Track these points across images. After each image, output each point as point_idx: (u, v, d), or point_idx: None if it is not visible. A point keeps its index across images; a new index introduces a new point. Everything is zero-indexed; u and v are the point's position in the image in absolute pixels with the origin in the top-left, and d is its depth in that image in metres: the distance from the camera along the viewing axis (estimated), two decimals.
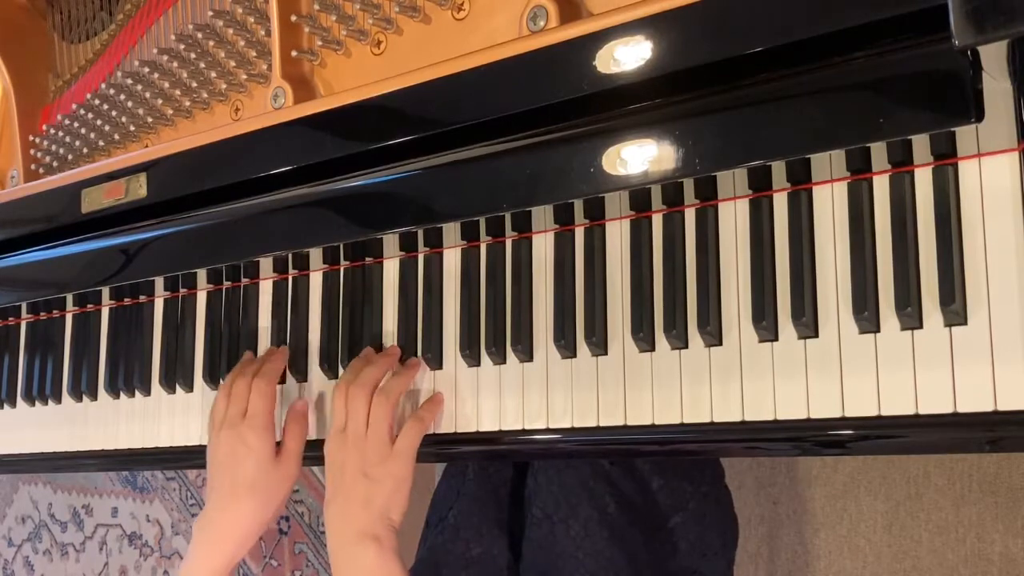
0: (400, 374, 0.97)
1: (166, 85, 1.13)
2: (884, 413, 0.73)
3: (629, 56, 0.77)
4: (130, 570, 2.49)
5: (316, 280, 1.08)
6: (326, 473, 0.97)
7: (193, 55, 1.10)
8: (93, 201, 1.13)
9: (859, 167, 0.76)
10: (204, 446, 1.14)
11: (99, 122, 1.22)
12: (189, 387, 1.17)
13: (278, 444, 1.02)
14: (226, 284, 1.15)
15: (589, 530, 0.99)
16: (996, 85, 0.68)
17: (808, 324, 0.77)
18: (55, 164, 1.28)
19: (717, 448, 0.85)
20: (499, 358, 0.93)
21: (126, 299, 1.25)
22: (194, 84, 1.12)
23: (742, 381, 0.80)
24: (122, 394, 1.24)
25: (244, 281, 1.14)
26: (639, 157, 0.79)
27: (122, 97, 1.18)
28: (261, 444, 1.00)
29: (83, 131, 1.24)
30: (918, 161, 0.74)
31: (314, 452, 1.03)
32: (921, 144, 0.74)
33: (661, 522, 1.02)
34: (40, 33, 1.34)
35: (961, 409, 0.70)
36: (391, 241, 1.02)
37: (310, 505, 2.17)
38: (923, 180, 0.74)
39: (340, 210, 0.96)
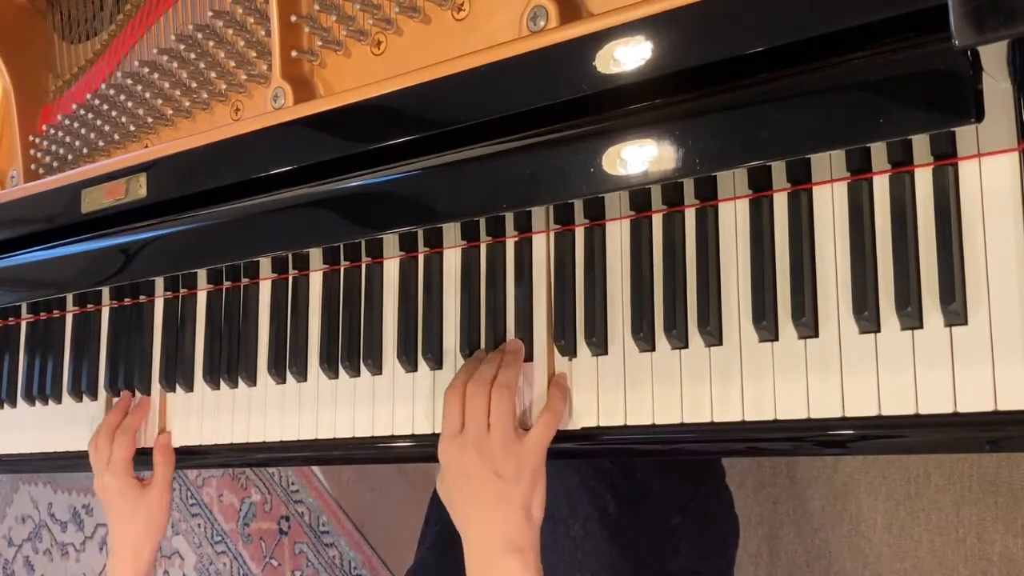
0: (509, 364, 0.90)
1: (166, 85, 1.13)
2: (884, 413, 0.73)
3: (629, 56, 0.77)
4: None
5: (316, 280, 1.08)
6: (443, 479, 0.91)
7: (193, 55, 1.10)
8: (93, 201, 1.13)
9: (859, 167, 0.76)
10: (204, 446, 1.14)
11: (99, 122, 1.22)
12: (189, 387, 1.17)
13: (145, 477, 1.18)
14: (226, 284, 1.15)
15: (589, 530, 0.98)
16: (996, 85, 0.68)
17: (808, 324, 0.77)
18: (55, 164, 1.28)
19: (717, 448, 0.85)
20: None
21: (126, 299, 1.25)
22: (194, 84, 1.12)
23: (742, 381, 0.80)
24: (122, 394, 1.24)
25: (244, 281, 1.14)
26: (639, 157, 0.79)
27: (122, 97, 1.18)
28: (121, 484, 1.17)
29: (83, 131, 1.24)
30: (918, 161, 0.74)
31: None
32: (921, 144, 0.74)
33: (662, 522, 1.02)
34: (40, 33, 1.34)
35: (961, 409, 0.70)
36: (391, 241, 1.02)
37: (310, 505, 2.17)
38: (923, 180, 0.74)
39: (340, 210, 0.96)
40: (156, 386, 1.20)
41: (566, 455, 0.95)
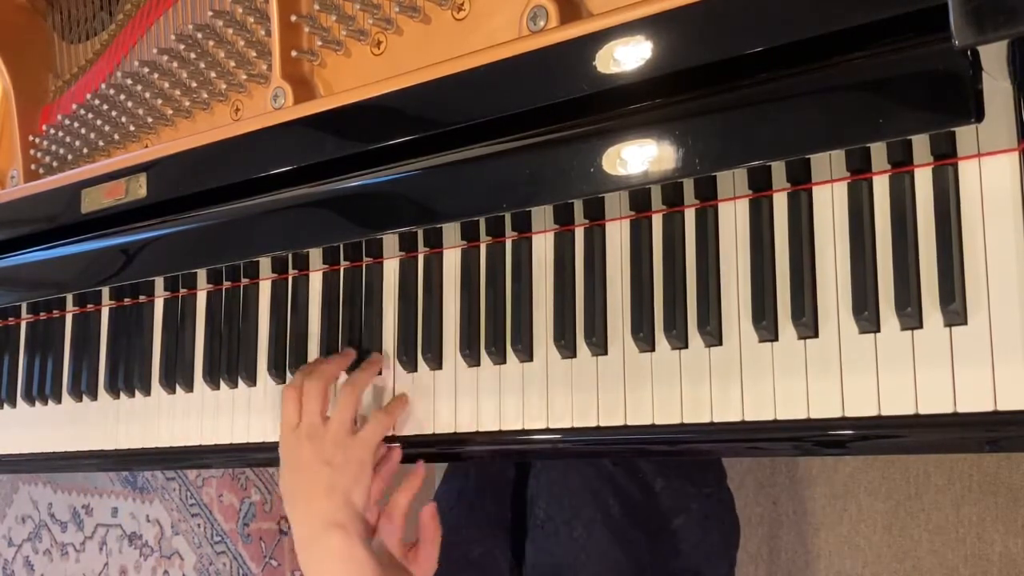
0: (364, 368, 0.99)
1: (166, 85, 1.13)
2: (884, 413, 0.73)
3: (629, 56, 0.77)
4: (130, 570, 2.49)
5: (316, 280, 1.08)
6: (281, 473, 0.98)
7: (193, 55, 1.10)
8: (93, 201, 1.13)
9: (859, 167, 0.76)
10: (204, 446, 1.14)
11: (99, 122, 1.22)
12: (189, 387, 1.17)
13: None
14: (226, 284, 1.15)
15: (592, 531, 0.98)
16: (996, 85, 0.68)
17: (808, 324, 0.77)
18: (55, 164, 1.28)
19: (717, 448, 0.85)
20: (499, 358, 0.93)
21: (126, 299, 1.25)
22: (194, 84, 1.12)
23: (742, 381, 0.80)
24: (122, 394, 1.24)
25: (244, 281, 1.14)
26: (639, 157, 0.79)
27: (122, 97, 1.18)
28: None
29: (83, 131, 1.24)
30: (918, 161, 0.74)
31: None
32: (921, 144, 0.74)
33: (664, 523, 1.02)
34: (40, 33, 1.34)
35: (961, 409, 0.70)
36: (391, 241, 1.02)
37: None
38: (923, 180, 0.74)
39: (340, 210, 0.96)
40: (156, 386, 1.20)
41: (566, 455, 0.95)
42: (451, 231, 0.98)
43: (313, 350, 1.07)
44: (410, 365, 0.99)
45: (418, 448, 0.99)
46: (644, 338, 0.84)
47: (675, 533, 1.02)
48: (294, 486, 0.95)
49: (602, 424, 0.87)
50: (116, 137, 1.21)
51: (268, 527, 2.23)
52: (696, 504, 1.03)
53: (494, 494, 1.11)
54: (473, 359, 0.94)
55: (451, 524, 1.11)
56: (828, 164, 0.78)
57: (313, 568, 0.93)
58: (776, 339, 0.79)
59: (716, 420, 0.81)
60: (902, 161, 0.74)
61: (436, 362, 0.97)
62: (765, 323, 0.78)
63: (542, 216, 0.92)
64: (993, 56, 0.66)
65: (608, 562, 0.97)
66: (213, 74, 1.10)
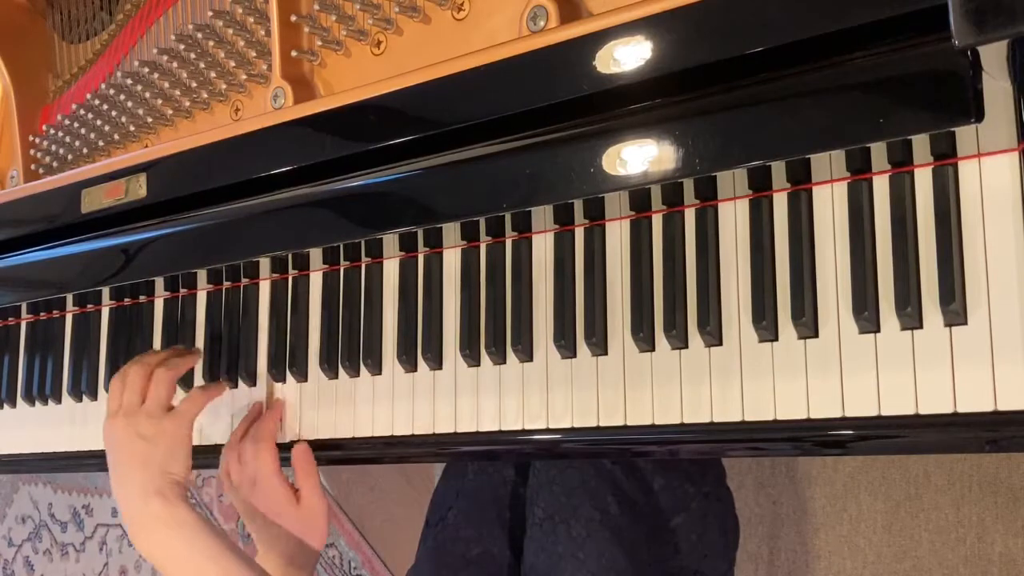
0: (184, 356, 1.07)
1: (166, 85, 1.13)
2: (884, 413, 0.73)
3: (629, 56, 0.77)
4: (130, 570, 2.49)
5: (316, 280, 1.08)
6: (108, 457, 1.00)
7: (193, 55, 1.10)
8: (93, 201, 1.13)
9: (859, 167, 0.76)
10: (203, 445, 1.14)
11: (99, 122, 1.22)
12: (188, 387, 1.17)
13: None
14: (226, 284, 1.15)
15: (591, 530, 0.98)
16: (996, 85, 0.68)
17: (808, 324, 0.77)
18: (55, 164, 1.28)
19: (717, 448, 0.85)
20: (499, 358, 0.93)
21: (126, 299, 1.25)
22: (194, 84, 1.12)
23: (742, 381, 0.80)
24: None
25: (244, 281, 1.14)
26: (639, 157, 0.79)
27: (122, 97, 1.18)
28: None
29: (83, 131, 1.24)
30: (918, 161, 0.74)
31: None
32: (921, 144, 0.74)
33: (663, 522, 1.02)
34: (40, 33, 1.34)
35: (961, 409, 0.70)
36: (391, 241, 1.02)
37: None
38: (923, 180, 0.74)
39: (340, 210, 0.96)
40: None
41: (566, 455, 0.95)
42: (451, 231, 0.98)
43: (313, 350, 1.07)
44: (410, 365, 0.99)
45: (419, 448, 0.99)
46: (644, 338, 0.84)
47: (674, 532, 1.02)
48: (115, 466, 0.99)
49: (602, 424, 0.87)
50: (116, 137, 1.21)
51: None
52: (695, 503, 1.03)
53: (493, 493, 1.11)
54: (473, 359, 0.94)
55: (449, 523, 1.11)
56: (828, 164, 0.78)
57: (143, 539, 0.95)
58: (776, 339, 0.79)
59: (716, 420, 0.81)
60: (902, 161, 0.74)
61: (436, 362, 0.97)
62: (765, 323, 0.78)
63: (542, 216, 0.92)
64: (993, 56, 0.66)
65: (606, 561, 0.97)
66: (213, 74, 1.10)
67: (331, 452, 1.06)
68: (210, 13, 1.05)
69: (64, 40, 1.32)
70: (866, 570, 1.52)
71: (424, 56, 0.93)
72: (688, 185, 0.84)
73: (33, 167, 1.29)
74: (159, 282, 1.21)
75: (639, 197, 0.87)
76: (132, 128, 1.19)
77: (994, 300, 0.70)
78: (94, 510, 2.59)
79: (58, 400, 1.31)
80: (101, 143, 1.22)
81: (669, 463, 1.04)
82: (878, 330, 0.74)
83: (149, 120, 1.17)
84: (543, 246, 0.92)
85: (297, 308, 1.08)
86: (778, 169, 0.80)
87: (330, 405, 1.05)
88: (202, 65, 1.10)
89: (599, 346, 0.87)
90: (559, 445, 0.89)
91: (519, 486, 1.10)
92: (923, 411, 0.72)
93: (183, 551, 0.94)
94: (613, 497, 1.00)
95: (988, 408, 0.69)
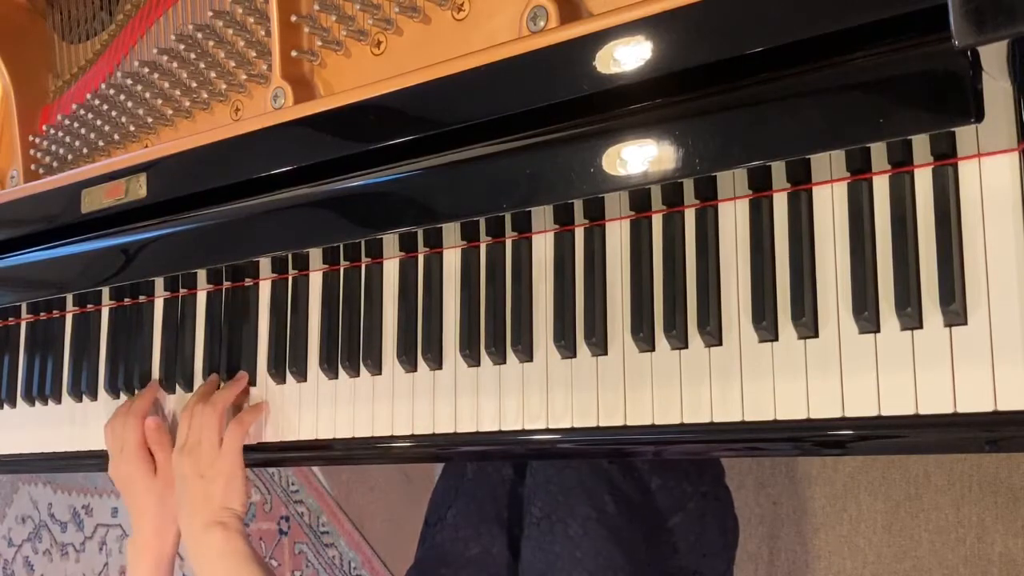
0: (227, 387, 1.12)
1: (166, 85, 1.13)
2: (884, 413, 0.73)
3: (629, 56, 0.77)
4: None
5: (316, 280, 1.08)
6: (176, 489, 1.11)
7: (193, 55, 1.10)
8: (93, 201, 1.13)
9: (859, 167, 0.76)
10: None
11: (99, 122, 1.22)
12: (189, 387, 1.17)
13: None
14: (226, 284, 1.15)
15: (587, 529, 0.98)
16: (996, 85, 0.68)
17: (808, 324, 0.77)
18: (55, 164, 1.28)
19: (717, 448, 0.85)
20: (499, 358, 0.93)
21: (126, 299, 1.25)
22: (194, 84, 1.12)
23: (742, 381, 0.80)
24: (122, 394, 1.24)
25: (244, 281, 1.14)
26: (639, 157, 0.79)
27: (122, 97, 1.18)
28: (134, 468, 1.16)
29: (83, 131, 1.24)
30: (918, 161, 0.74)
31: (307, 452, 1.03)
32: (921, 144, 0.74)
33: (660, 521, 1.02)
34: (40, 33, 1.34)
35: (961, 409, 0.70)
36: (391, 241, 1.02)
37: (310, 505, 2.17)
38: (923, 180, 0.74)
39: (340, 210, 0.96)
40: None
41: (566, 455, 0.95)
42: (451, 231, 0.98)
43: (313, 350, 1.07)
44: (410, 365, 0.99)
45: (419, 448, 0.99)
46: (644, 338, 0.84)
47: (672, 532, 1.02)
48: (181, 494, 1.09)
49: (602, 424, 0.87)
50: (116, 137, 1.21)
51: (268, 527, 2.23)
52: (693, 503, 1.03)
53: (491, 492, 1.11)
54: (473, 359, 0.94)
55: (448, 523, 1.11)
56: (828, 164, 0.78)
57: (199, 565, 1.07)
58: (776, 339, 0.79)
59: (716, 420, 0.81)
60: (902, 161, 0.74)
61: (436, 362, 0.97)
62: (765, 323, 0.78)
63: (542, 216, 0.92)
64: (993, 56, 0.66)
65: (603, 560, 0.97)
66: (213, 74, 1.10)
67: (331, 452, 1.06)
68: (210, 13, 1.05)
69: (64, 40, 1.32)
70: (866, 570, 1.52)
71: (424, 56, 0.93)
72: (688, 185, 0.84)
73: (33, 167, 1.29)
74: (159, 282, 1.21)
75: (639, 197, 0.87)
76: (132, 128, 1.19)
77: (994, 300, 0.70)
78: (94, 510, 2.59)
79: (58, 400, 1.31)
80: (101, 143, 1.22)
81: (666, 462, 1.04)
82: (878, 330, 0.74)
83: (149, 120, 1.17)
84: (543, 246, 0.92)
85: (297, 308, 1.08)
86: (778, 169, 0.80)
87: (330, 405, 1.05)
88: (202, 65, 1.10)
89: (599, 346, 0.87)
90: (559, 445, 0.89)
91: (518, 485, 1.10)
92: (923, 411, 0.72)
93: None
94: (610, 496, 1.00)
95: (988, 408, 0.69)
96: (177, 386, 1.18)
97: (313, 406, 1.06)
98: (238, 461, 1.08)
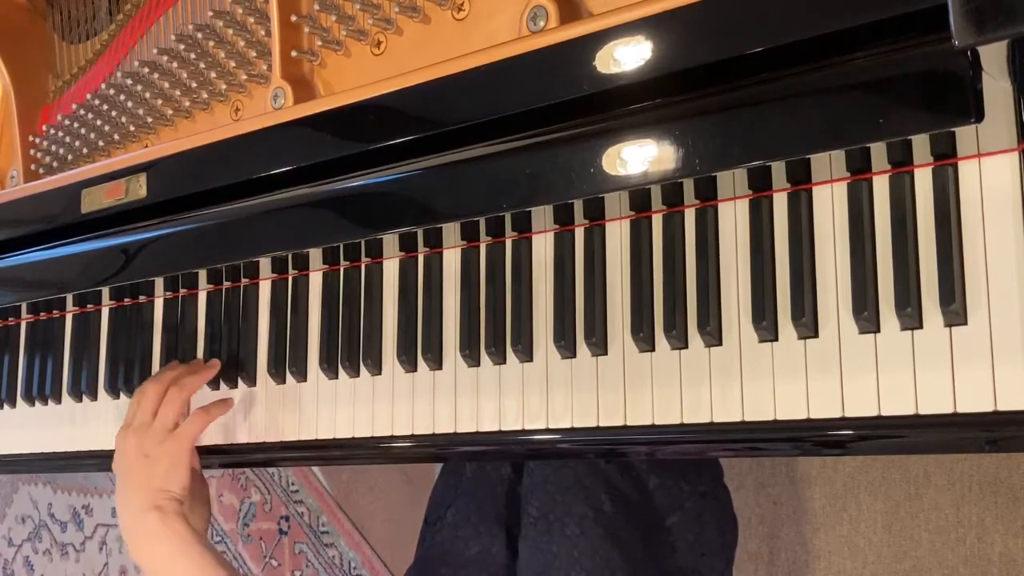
0: (196, 373, 1.09)
1: (166, 85, 1.13)
2: (884, 413, 0.73)
3: (629, 56, 0.77)
4: (130, 570, 2.49)
5: (316, 280, 1.08)
6: (114, 466, 1.08)
7: (193, 55, 1.10)
8: (93, 201, 1.13)
9: (859, 167, 0.76)
10: (203, 446, 1.14)
11: (99, 122, 1.22)
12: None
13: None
14: (226, 284, 1.15)
15: (584, 529, 0.98)
16: (996, 85, 0.68)
17: (808, 324, 0.77)
18: (55, 164, 1.28)
19: (717, 448, 0.85)
20: (499, 358, 0.93)
21: (126, 299, 1.25)
22: (194, 84, 1.12)
23: (742, 381, 0.80)
24: (122, 394, 1.24)
25: (244, 281, 1.14)
26: (639, 157, 0.79)
27: (122, 97, 1.18)
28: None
29: (83, 131, 1.24)
30: (918, 161, 0.74)
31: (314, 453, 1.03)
32: (921, 144, 0.74)
33: (658, 521, 1.02)
34: (40, 33, 1.34)
35: (961, 409, 0.70)
36: (391, 241, 1.02)
37: (310, 506, 2.17)
38: (923, 180, 0.74)
39: (340, 210, 0.96)
40: None
41: (566, 455, 0.95)
42: (451, 231, 0.98)
43: (313, 350, 1.07)
44: (410, 365, 0.99)
45: (419, 448, 0.99)
46: (644, 338, 0.84)
47: (670, 531, 1.02)
48: (120, 474, 1.06)
49: (602, 424, 0.87)
50: (116, 137, 1.21)
51: (268, 527, 2.23)
52: (691, 502, 1.03)
53: (490, 492, 1.11)
54: (473, 359, 0.94)
55: (447, 522, 1.11)
56: (828, 164, 0.78)
57: (137, 549, 1.04)
58: (776, 339, 0.79)
59: (716, 420, 0.81)
60: (902, 161, 0.74)
61: (436, 362, 0.97)
62: (765, 323, 0.78)
63: (542, 216, 0.92)
64: (993, 56, 0.66)
65: (600, 559, 0.97)
66: (213, 74, 1.09)
67: (331, 452, 1.06)
68: (210, 13, 1.05)
69: (64, 40, 1.32)
70: (866, 570, 1.52)
71: (424, 56, 0.93)
72: (688, 185, 0.84)
73: (33, 167, 1.29)
74: (159, 282, 1.21)
75: (639, 197, 0.87)
76: (132, 128, 1.19)
77: (994, 300, 0.70)
78: (94, 510, 2.59)
79: (58, 400, 1.31)
80: (101, 143, 1.22)
81: (665, 462, 1.04)
82: (878, 330, 0.74)
83: (149, 120, 1.17)
84: (543, 246, 0.92)
85: (297, 308, 1.08)
86: (778, 169, 0.80)
87: (330, 405, 1.05)
88: (202, 65, 1.10)
89: (599, 346, 0.87)
90: (559, 445, 0.89)
91: (516, 485, 1.10)
92: (923, 411, 0.72)
93: (174, 563, 1.02)
94: (607, 496, 1.00)
95: (988, 408, 0.69)
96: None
97: (313, 406, 1.06)
98: (188, 448, 1.06)
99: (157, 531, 1.01)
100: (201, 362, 1.14)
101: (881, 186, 0.75)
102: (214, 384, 1.14)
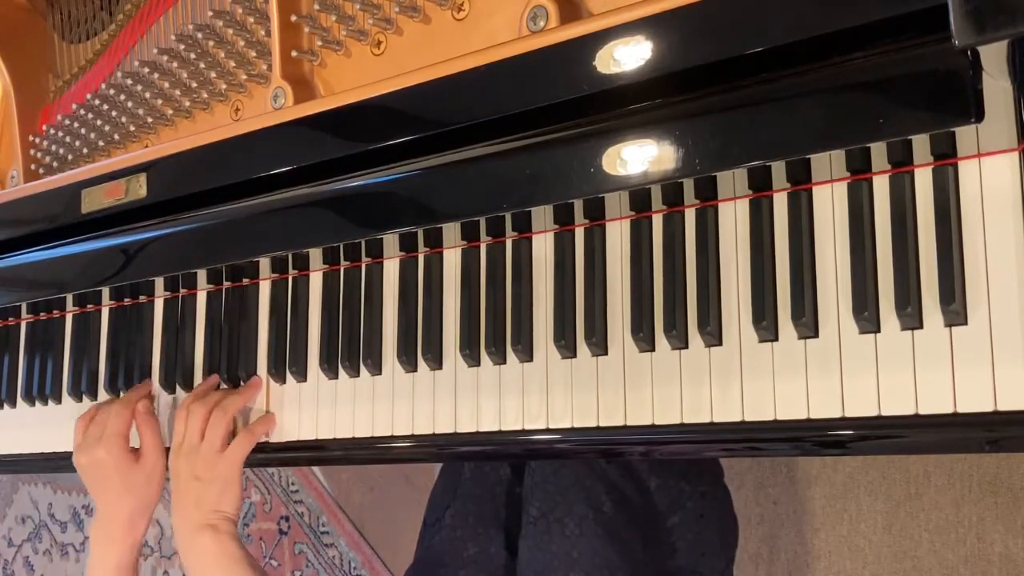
0: (239, 392, 1.11)
1: (166, 85, 1.13)
2: (884, 413, 0.73)
3: (629, 56, 0.77)
4: None
5: (316, 280, 1.08)
6: (171, 488, 1.11)
7: (193, 55, 1.10)
8: (93, 201, 1.13)
9: (859, 167, 0.76)
10: None
11: (99, 122, 1.22)
12: (189, 387, 1.17)
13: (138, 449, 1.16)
14: (226, 284, 1.15)
15: (584, 529, 0.98)
16: (996, 85, 0.68)
17: (808, 324, 0.77)
18: (55, 164, 1.28)
19: (717, 448, 0.85)
20: (499, 358, 0.93)
21: (126, 299, 1.25)
22: (194, 84, 1.12)
23: (742, 381, 0.80)
24: (122, 394, 1.24)
25: (244, 281, 1.14)
26: (639, 157, 0.79)
27: (122, 97, 1.18)
28: (116, 457, 1.14)
29: (83, 131, 1.24)
30: (918, 161, 0.74)
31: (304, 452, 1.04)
32: (921, 144, 0.74)
33: (659, 521, 1.02)
34: (40, 33, 1.34)
35: (961, 409, 0.70)
36: (391, 241, 1.02)
37: (310, 506, 2.17)
38: (923, 180, 0.74)
39: (340, 210, 0.96)
40: (156, 386, 1.20)
41: (566, 455, 0.95)
42: (451, 231, 0.98)
43: (313, 350, 1.07)
44: (410, 365, 0.99)
45: (419, 448, 0.99)
46: (644, 338, 0.84)
47: (670, 531, 1.02)
48: (175, 499, 1.09)
49: (602, 424, 0.87)
50: (116, 137, 1.21)
51: (268, 527, 2.23)
52: (691, 503, 1.03)
53: (488, 493, 1.11)
54: (473, 359, 0.94)
55: (447, 523, 1.11)
56: (828, 164, 0.78)
57: (190, 566, 1.07)
58: (776, 339, 0.79)
59: (716, 420, 0.81)
60: (902, 161, 0.74)
61: (436, 362, 0.97)
62: (765, 323, 0.78)
63: (542, 216, 0.92)
64: (993, 56, 0.66)
65: (600, 559, 0.97)
66: (213, 74, 1.10)
67: (331, 452, 1.06)
68: (210, 13, 1.05)
69: (64, 40, 1.32)
70: (866, 570, 1.52)
71: (424, 56, 0.93)
72: (688, 185, 0.84)
73: (33, 167, 1.29)
74: (159, 282, 1.21)
75: (639, 197, 0.87)
76: (132, 128, 1.19)
77: (994, 300, 0.70)
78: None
79: (58, 400, 1.31)
80: (101, 143, 1.22)
81: (665, 462, 1.04)
82: (878, 330, 0.74)
83: (149, 120, 1.17)
84: (543, 246, 0.92)
85: (297, 308, 1.08)
86: (778, 169, 0.80)
87: (330, 405, 1.05)
88: (202, 65, 1.10)
89: (599, 346, 0.87)
90: (559, 445, 0.89)
91: (515, 485, 1.10)
92: (923, 411, 0.72)
93: None
94: (607, 496, 1.00)
95: (988, 408, 0.69)
96: (177, 386, 1.18)
97: (313, 406, 1.06)
98: (238, 468, 1.08)
99: (211, 551, 1.05)
100: (257, 382, 1.14)
101: (881, 186, 0.75)
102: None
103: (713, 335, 0.81)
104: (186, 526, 1.07)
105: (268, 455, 1.11)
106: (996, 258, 0.70)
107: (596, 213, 0.89)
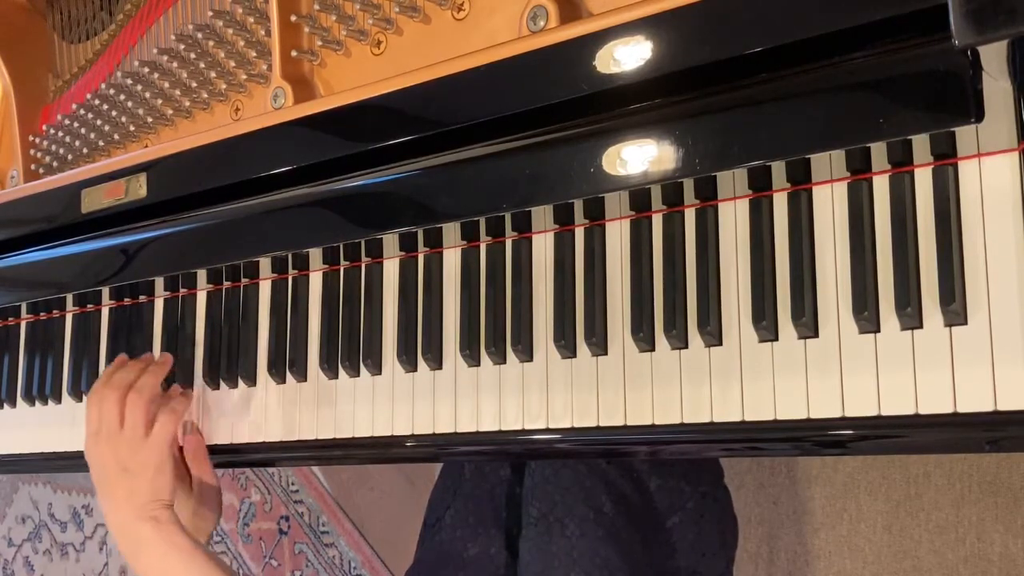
0: (150, 371, 1.06)
1: (166, 85, 1.13)
2: (884, 413, 0.73)
3: (629, 56, 0.77)
4: (130, 570, 2.49)
5: (316, 280, 1.08)
6: (91, 476, 1.06)
7: (193, 55, 1.11)
8: (93, 201, 1.13)
9: (859, 167, 0.76)
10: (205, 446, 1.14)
11: (99, 122, 1.22)
12: (189, 387, 1.17)
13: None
14: (226, 284, 1.15)
15: (584, 529, 0.98)
16: (996, 85, 0.68)
17: (808, 324, 0.77)
18: (55, 164, 1.28)
19: (717, 448, 0.85)
20: (499, 358, 0.93)
21: (126, 299, 1.25)
22: (194, 84, 1.12)
23: (742, 381, 0.80)
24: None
25: (244, 281, 1.14)
26: (639, 157, 0.79)
27: (122, 97, 1.18)
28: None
29: (83, 131, 1.24)
30: (918, 161, 0.74)
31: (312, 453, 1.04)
32: (921, 144, 0.74)
33: (659, 522, 1.02)
34: (40, 33, 1.34)
35: (961, 409, 0.70)
36: (391, 241, 1.02)
37: (310, 506, 2.17)
38: (923, 180, 0.74)
39: (340, 210, 0.96)
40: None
41: (566, 455, 0.95)
42: (451, 231, 0.98)
43: (313, 350, 1.07)
44: (410, 365, 0.99)
45: (419, 448, 0.99)
46: (644, 338, 0.84)
47: (670, 532, 1.02)
48: (101, 489, 1.03)
49: (602, 424, 0.87)
50: (116, 137, 1.21)
51: (268, 527, 2.23)
52: (691, 503, 1.03)
53: (489, 492, 1.11)
54: (473, 359, 0.94)
55: (447, 524, 1.11)
56: (828, 164, 0.78)
57: (135, 559, 1.02)
58: (776, 339, 0.79)
59: (716, 420, 0.81)
60: (902, 161, 0.74)
61: (436, 362, 0.97)
62: (765, 323, 0.78)
63: (542, 216, 0.92)
64: (993, 56, 0.66)
65: (600, 560, 0.97)
66: (213, 74, 1.10)
67: (331, 452, 1.06)
68: (210, 13, 1.06)
69: (64, 40, 1.32)
70: (866, 570, 1.52)
71: (424, 56, 0.93)
72: (688, 185, 0.84)
73: (33, 167, 1.29)
74: (159, 282, 1.21)
75: (639, 197, 0.87)
76: (132, 128, 1.19)
77: (994, 300, 0.70)
78: (94, 510, 2.59)
79: (58, 400, 1.31)
80: (101, 143, 1.22)
81: (665, 463, 1.04)
82: (878, 330, 0.74)
83: (149, 120, 1.17)
84: (543, 246, 0.92)
85: (297, 308, 1.08)
86: (778, 169, 0.80)
87: (330, 405, 1.05)
88: (202, 65, 1.10)
89: (599, 346, 0.87)
90: (559, 445, 0.89)
91: (515, 485, 1.10)
92: (923, 411, 0.72)
93: (175, 572, 1.00)
94: (607, 496, 1.00)
95: (988, 408, 0.69)
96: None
97: (313, 406, 1.06)
98: (167, 451, 1.04)
99: (154, 541, 1.00)
100: (151, 356, 1.12)
101: (881, 186, 0.75)
102: (214, 384, 1.14)
103: (713, 335, 0.81)
104: (122, 521, 1.02)
105: (268, 455, 1.11)
106: (996, 258, 0.70)
107: (596, 213, 0.89)
